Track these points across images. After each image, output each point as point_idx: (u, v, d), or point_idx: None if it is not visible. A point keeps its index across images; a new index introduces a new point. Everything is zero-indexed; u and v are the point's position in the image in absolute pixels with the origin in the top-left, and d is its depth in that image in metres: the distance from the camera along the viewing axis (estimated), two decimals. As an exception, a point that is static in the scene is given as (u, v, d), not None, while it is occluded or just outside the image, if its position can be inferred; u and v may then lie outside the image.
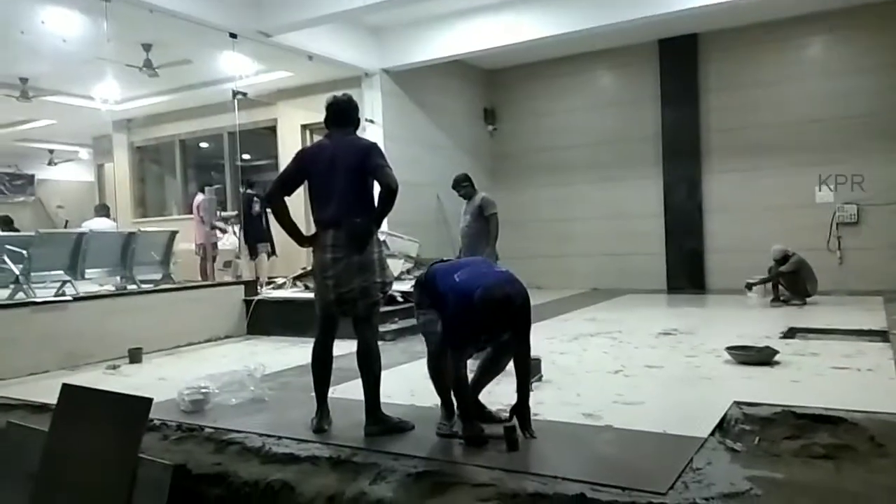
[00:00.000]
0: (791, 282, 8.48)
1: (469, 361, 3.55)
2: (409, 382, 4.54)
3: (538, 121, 12.30)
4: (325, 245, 3.68)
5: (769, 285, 8.68)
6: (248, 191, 9.83)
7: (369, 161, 3.63)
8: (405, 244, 9.32)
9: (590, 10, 9.04)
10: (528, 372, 3.55)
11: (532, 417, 3.53)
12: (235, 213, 10.08)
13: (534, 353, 3.70)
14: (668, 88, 11.13)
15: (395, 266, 8.02)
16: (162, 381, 5.33)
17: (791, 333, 6.47)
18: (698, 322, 7.57)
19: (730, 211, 10.74)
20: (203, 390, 4.36)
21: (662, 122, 11.18)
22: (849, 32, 10.01)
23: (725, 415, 3.59)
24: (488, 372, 3.74)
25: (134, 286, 7.90)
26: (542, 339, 5.28)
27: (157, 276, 8.61)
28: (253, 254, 9.61)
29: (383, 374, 3.73)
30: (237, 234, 9.65)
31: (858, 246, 9.88)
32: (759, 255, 9.01)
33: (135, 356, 6.37)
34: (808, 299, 8.41)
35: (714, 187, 10.89)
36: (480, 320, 3.29)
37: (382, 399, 3.70)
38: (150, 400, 3.43)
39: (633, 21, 8.88)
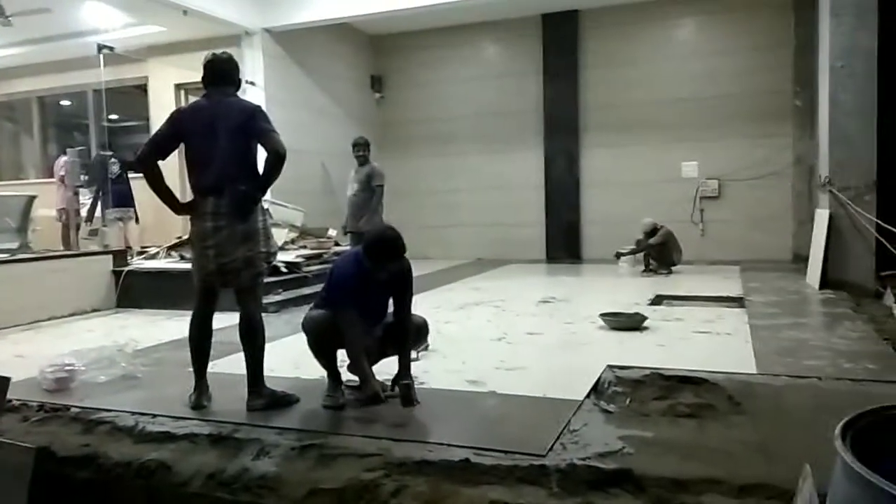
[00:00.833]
0: (659, 253, 9.03)
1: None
2: (293, 355, 4.44)
3: (424, 90, 12.25)
4: (206, 213, 3.50)
5: (638, 256, 9.21)
6: (102, 152, 9.22)
7: (254, 124, 3.49)
8: (290, 213, 9.07)
9: (476, -20, 9.07)
10: (408, 338, 3.56)
11: (417, 386, 3.57)
12: (86, 177, 9.42)
13: (420, 322, 3.74)
14: (550, 63, 11.40)
15: (279, 235, 7.81)
16: (20, 358, 4.94)
17: (658, 300, 6.90)
18: (575, 291, 7.93)
19: (604, 185, 11.22)
20: (68, 368, 4.07)
21: (544, 96, 11.46)
22: (719, 16, 10.60)
23: (599, 378, 3.77)
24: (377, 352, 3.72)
25: (-15, 256, 7.25)
26: (428, 308, 5.33)
27: (14, 245, 7.96)
28: (86, 219, 9.06)
29: (266, 346, 3.63)
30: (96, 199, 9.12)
31: (719, 218, 10.64)
32: (630, 227, 9.50)
33: (-12, 332, 5.88)
34: (673, 268, 9.00)
35: (591, 162, 11.33)
36: (369, 265, 3.34)
37: (266, 372, 3.60)
38: (7, 379, 3.17)
39: (517, -7, 9.00)
